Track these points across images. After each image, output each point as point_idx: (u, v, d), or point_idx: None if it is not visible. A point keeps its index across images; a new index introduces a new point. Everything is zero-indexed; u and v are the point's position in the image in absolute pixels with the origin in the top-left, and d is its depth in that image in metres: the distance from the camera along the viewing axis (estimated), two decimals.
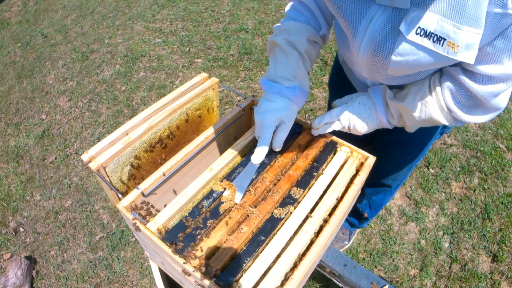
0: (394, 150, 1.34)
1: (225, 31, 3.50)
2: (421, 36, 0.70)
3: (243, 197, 0.92)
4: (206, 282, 0.74)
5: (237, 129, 1.24)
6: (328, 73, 2.97)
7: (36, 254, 2.01)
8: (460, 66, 0.79)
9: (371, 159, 1.03)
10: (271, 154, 1.05)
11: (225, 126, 1.13)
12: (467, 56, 0.69)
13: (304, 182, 0.98)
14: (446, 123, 0.88)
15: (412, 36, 0.71)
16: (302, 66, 0.95)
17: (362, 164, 1.03)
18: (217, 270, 0.77)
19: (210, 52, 3.28)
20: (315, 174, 1.00)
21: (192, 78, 1.20)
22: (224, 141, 1.18)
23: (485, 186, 2.21)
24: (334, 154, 1.06)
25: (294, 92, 0.93)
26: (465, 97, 0.81)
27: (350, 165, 1.02)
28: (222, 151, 1.08)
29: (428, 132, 1.20)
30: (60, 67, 3.27)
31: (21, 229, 2.12)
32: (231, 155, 1.04)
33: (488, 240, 1.96)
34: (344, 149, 1.06)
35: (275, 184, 0.98)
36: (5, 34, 3.78)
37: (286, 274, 0.78)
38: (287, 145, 1.09)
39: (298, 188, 0.96)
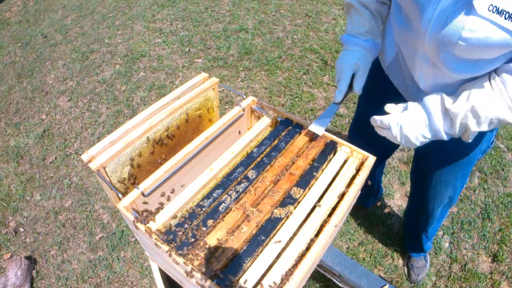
0: (440, 174, 1.34)
1: (225, 31, 3.50)
2: (493, 12, 0.72)
3: (324, 130, 1.08)
4: (206, 282, 0.74)
5: (237, 129, 1.24)
6: (328, 73, 2.98)
7: (36, 254, 2.01)
8: None
9: (371, 159, 1.03)
10: (271, 154, 1.06)
11: (225, 126, 1.13)
12: None
13: (304, 182, 0.98)
14: (511, 121, 0.85)
15: (484, 12, 0.72)
16: (373, 23, 1.09)
17: (362, 163, 1.03)
18: (217, 270, 0.77)
19: (210, 52, 3.28)
20: (315, 174, 1.00)
21: (192, 78, 1.20)
22: (224, 141, 1.18)
23: (485, 186, 2.21)
24: (334, 154, 1.06)
25: (368, 44, 1.07)
26: None
27: (350, 165, 1.02)
28: (222, 151, 1.07)
29: (474, 149, 1.20)
30: (60, 67, 3.27)
31: (21, 229, 2.13)
32: (231, 155, 1.04)
33: (488, 240, 1.96)
34: (344, 149, 1.06)
35: (275, 184, 0.98)
36: (5, 34, 3.78)
37: (286, 273, 0.78)
38: (287, 145, 1.09)
39: (298, 188, 0.96)
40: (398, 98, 1.21)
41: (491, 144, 1.24)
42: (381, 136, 0.98)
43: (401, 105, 0.97)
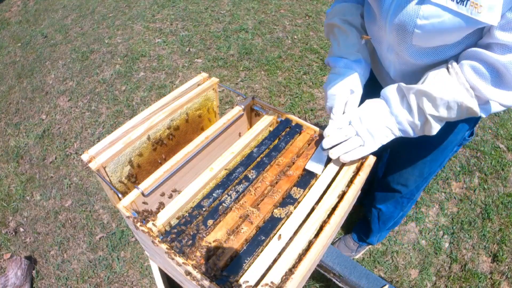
0: (406, 150, 1.29)
1: (225, 31, 3.50)
2: None
3: (324, 168, 0.98)
4: (206, 282, 0.74)
5: (237, 129, 1.24)
6: (328, 73, 2.98)
7: (36, 254, 2.01)
8: (478, 45, 0.80)
9: (372, 159, 1.03)
10: (271, 154, 1.05)
11: (225, 126, 1.13)
12: (490, 17, 0.70)
13: (304, 182, 0.98)
14: (472, 106, 0.82)
15: None
16: (361, 41, 1.03)
17: (362, 163, 1.03)
18: (217, 270, 0.77)
19: (210, 52, 3.28)
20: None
21: (192, 78, 1.20)
22: (224, 141, 1.18)
23: (485, 186, 2.21)
24: None
25: (360, 64, 1.01)
26: (487, 69, 0.79)
27: (351, 165, 1.02)
28: (222, 151, 1.07)
29: (445, 137, 1.17)
30: (60, 67, 3.27)
31: (21, 229, 2.12)
32: (231, 155, 1.04)
33: (488, 240, 1.96)
34: None
35: (275, 184, 0.98)
36: (5, 34, 3.78)
37: (286, 273, 0.78)
38: (287, 145, 1.09)
39: (298, 188, 0.96)
40: None
41: (470, 137, 1.21)
42: None
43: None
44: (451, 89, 0.82)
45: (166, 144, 1.15)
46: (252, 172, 0.99)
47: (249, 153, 1.07)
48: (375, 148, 0.94)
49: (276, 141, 1.11)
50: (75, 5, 4.14)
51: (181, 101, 1.12)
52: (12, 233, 2.10)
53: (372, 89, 1.22)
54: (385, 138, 0.92)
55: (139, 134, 1.02)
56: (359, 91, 1.00)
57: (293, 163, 1.03)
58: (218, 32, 3.49)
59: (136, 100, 2.87)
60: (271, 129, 1.19)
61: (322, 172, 0.97)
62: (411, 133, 0.91)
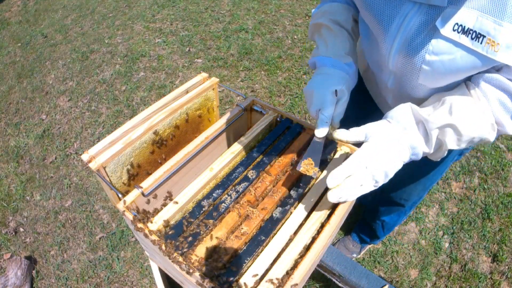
0: (408, 168, 1.26)
1: (225, 31, 3.50)
2: (458, 32, 0.64)
3: (319, 170, 0.86)
4: (206, 282, 0.74)
5: (237, 129, 1.24)
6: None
7: (36, 254, 2.01)
8: (500, 74, 0.71)
9: None
10: (271, 154, 1.05)
11: (225, 126, 1.13)
12: (507, 57, 0.62)
13: (305, 182, 0.98)
14: (491, 139, 0.74)
15: (448, 32, 0.65)
16: (353, 44, 0.91)
17: None
18: (217, 270, 0.77)
19: (210, 52, 3.28)
20: None
21: (192, 78, 1.20)
22: (224, 141, 1.18)
23: (485, 186, 2.21)
24: (334, 154, 1.06)
25: (351, 68, 0.88)
26: None
27: None
28: (222, 151, 1.07)
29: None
30: (60, 67, 3.27)
31: (21, 229, 2.12)
32: (231, 155, 1.04)
33: (488, 240, 1.96)
34: (344, 148, 1.06)
35: (275, 184, 0.98)
36: (5, 34, 3.78)
37: (287, 273, 0.78)
38: (287, 145, 1.09)
39: (299, 188, 0.96)
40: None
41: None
42: None
43: (360, 131, 0.78)
44: (479, 125, 0.72)
45: (166, 144, 1.15)
46: (252, 172, 0.99)
47: (249, 153, 1.07)
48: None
49: (276, 141, 1.11)
50: (75, 5, 4.14)
51: (181, 101, 1.12)
52: (12, 233, 2.10)
53: (362, 104, 1.16)
54: (393, 172, 0.77)
55: (139, 134, 1.02)
56: (348, 95, 0.87)
57: (293, 163, 1.03)
58: (218, 32, 3.49)
59: (136, 100, 2.87)
60: (271, 129, 1.19)
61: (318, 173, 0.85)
62: (418, 159, 0.80)
